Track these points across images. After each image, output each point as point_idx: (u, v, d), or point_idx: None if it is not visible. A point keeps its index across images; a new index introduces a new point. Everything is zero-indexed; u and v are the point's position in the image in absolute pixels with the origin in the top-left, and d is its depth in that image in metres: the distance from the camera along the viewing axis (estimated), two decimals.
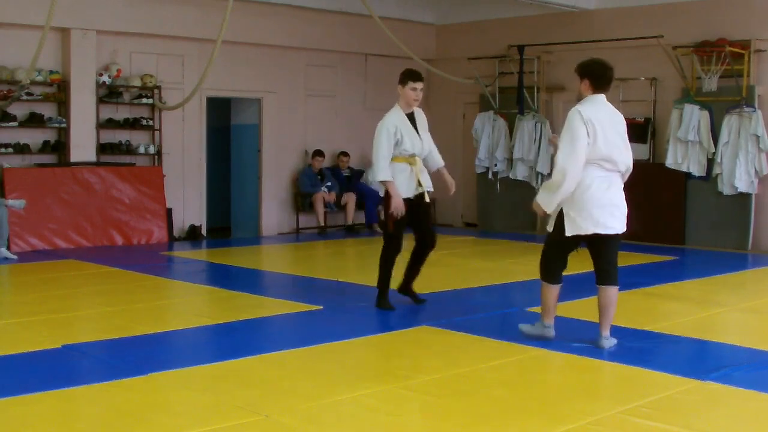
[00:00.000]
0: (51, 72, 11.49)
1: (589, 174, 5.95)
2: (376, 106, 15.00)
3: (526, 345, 6.17)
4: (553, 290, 6.25)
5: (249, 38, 13.02)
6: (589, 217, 5.96)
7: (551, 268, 6.23)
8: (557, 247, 6.19)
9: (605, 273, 6.12)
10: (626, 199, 6.25)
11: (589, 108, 5.97)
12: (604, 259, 6.12)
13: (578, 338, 6.36)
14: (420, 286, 8.89)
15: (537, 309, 6.58)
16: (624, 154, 6.14)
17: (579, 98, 6.15)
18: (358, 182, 14.34)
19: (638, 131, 12.90)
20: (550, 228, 6.22)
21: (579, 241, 6.14)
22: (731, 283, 9.50)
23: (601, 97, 6.08)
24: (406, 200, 7.22)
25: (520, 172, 13.89)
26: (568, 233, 6.02)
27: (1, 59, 11.17)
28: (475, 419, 4.57)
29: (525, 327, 6.39)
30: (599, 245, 6.11)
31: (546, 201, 6.05)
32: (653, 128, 12.82)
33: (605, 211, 5.99)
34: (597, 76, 6.07)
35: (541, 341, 6.22)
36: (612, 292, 6.13)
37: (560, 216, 6.09)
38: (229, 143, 14.31)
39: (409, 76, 7.25)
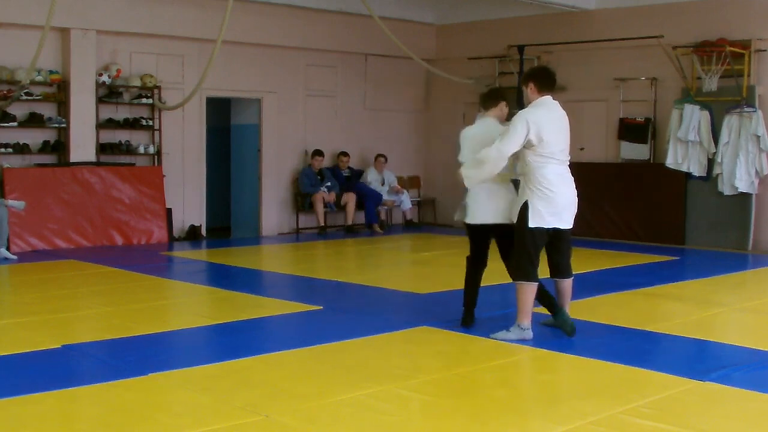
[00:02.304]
0: (51, 72, 11.49)
1: (552, 170, 6.24)
2: (376, 106, 15.05)
3: (526, 345, 6.16)
4: (532, 289, 6.26)
5: (249, 38, 13.02)
6: (554, 213, 6.22)
7: (526, 266, 6.25)
8: (528, 244, 6.25)
9: (566, 267, 6.52)
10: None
11: (534, 111, 6.31)
12: (564, 254, 6.48)
13: (579, 338, 6.36)
14: (420, 286, 8.90)
15: (537, 309, 6.57)
16: (568, 147, 6.45)
17: (527, 103, 6.46)
18: (358, 182, 14.34)
19: (638, 131, 12.92)
20: (513, 218, 6.36)
21: (545, 235, 6.27)
22: (731, 283, 9.50)
23: (547, 99, 6.43)
24: None
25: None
26: (531, 225, 6.19)
27: (1, 59, 11.17)
28: (475, 419, 4.57)
29: (500, 334, 6.33)
30: (558, 241, 6.40)
31: (470, 176, 6.43)
32: (653, 128, 12.82)
33: (566, 207, 6.30)
34: (540, 78, 6.46)
35: (540, 342, 6.22)
36: (570, 282, 6.57)
37: (524, 210, 6.22)
38: (229, 143, 14.30)
39: (504, 97, 6.97)
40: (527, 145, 6.22)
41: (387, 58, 14.63)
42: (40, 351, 5.93)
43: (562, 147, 6.34)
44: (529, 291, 6.26)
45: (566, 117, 6.49)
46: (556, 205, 6.21)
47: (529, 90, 6.44)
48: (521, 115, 6.27)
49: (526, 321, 6.27)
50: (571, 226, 6.44)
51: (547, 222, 6.22)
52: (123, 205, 11.89)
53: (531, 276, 6.25)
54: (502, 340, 6.26)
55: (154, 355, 5.87)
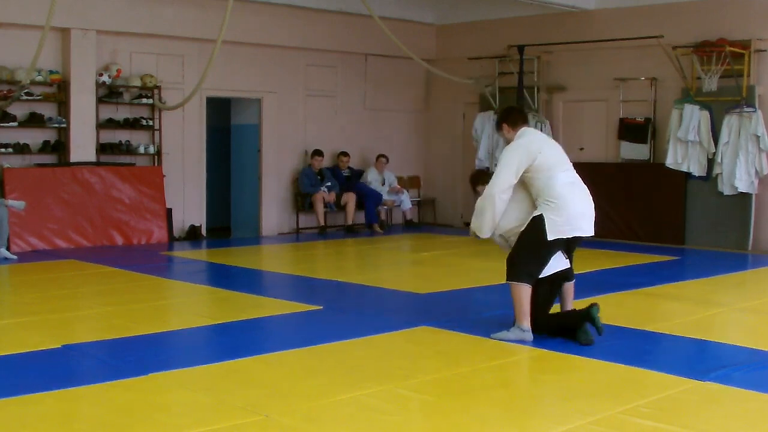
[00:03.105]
0: (51, 72, 11.49)
1: (559, 181, 6.28)
2: (376, 106, 15.05)
3: (526, 345, 6.16)
4: (528, 290, 6.25)
5: (249, 38, 13.02)
6: (567, 223, 6.24)
7: (522, 268, 6.25)
8: (534, 248, 6.24)
9: (570, 271, 6.52)
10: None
11: (517, 141, 6.46)
12: (571, 260, 6.53)
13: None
14: (420, 286, 8.90)
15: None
16: (565, 156, 6.54)
17: (508, 144, 6.57)
18: (358, 182, 14.33)
19: (638, 131, 12.92)
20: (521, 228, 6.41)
21: (558, 244, 6.26)
22: (731, 283, 9.50)
23: (525, 128, 6.57)
24: None
25: None
26: (551, 237, 6.19)
27: (1, 59, 11.17)
28: (475, 419, 4.57)
29: (500, 334, 6.33)
30: (572, 247, 6.50)
31: (477, 225, 6.45)
32: (653, 128, 12.82)
33: (581, 216, 6.33)
34: (509, 118, 6.62)
35: (540, 342, 6.22)
36: (572, 285, 6.59)
37: (538, 220, 6.21)
38: (229, 143, 14.30)
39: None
40: (528, 171, 6.28)
41: (387, 58, 14.63)
42: (40, 351, 5.93)
43: (558, 155, 6.43)
44: (522, 291, 6.24)
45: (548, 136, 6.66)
46: (569, 214, 6.22)
47: (505, 132, 6.60)
48: (506, 151, 6.43)
49: (525, 322, 6.26)
50: (591, 234, 6.45)
51: (565, 232, 6.23)
52: (123, 205, 11.90)
53: (522, 278, 6.24)
54: (501, 339, 6.27)
55: (154, 355, 5.87)
